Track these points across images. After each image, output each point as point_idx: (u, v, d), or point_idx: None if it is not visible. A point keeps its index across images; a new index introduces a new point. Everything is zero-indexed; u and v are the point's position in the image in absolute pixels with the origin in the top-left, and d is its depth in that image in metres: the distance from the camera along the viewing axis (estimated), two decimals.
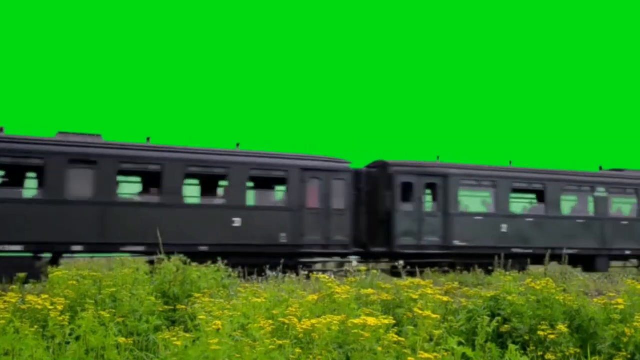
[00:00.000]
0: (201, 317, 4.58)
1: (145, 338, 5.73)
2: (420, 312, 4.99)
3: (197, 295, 6.58)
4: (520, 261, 20.56)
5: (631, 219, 24.18)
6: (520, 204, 23.16)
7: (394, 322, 4.91)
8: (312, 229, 19.37)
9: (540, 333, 5.77)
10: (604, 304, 6.19)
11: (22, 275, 9.74)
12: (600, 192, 23.56)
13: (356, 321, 4.57)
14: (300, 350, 4.40)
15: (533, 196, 23.27)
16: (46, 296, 5.95)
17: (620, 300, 6.17)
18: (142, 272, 7.86)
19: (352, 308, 5.68)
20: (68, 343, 5.07)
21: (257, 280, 12.00)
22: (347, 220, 19.90)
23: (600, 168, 25.12)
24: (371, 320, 4.53)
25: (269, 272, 13.10)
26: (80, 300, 6.56)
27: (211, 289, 7.52)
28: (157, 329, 5.89)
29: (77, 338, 5.04)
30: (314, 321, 4.63)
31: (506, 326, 6.09)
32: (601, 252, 23.00)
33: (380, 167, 21.28)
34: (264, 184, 19.92)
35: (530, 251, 21.61)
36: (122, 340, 4.93)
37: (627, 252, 23.54)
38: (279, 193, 20.02)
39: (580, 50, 72.71)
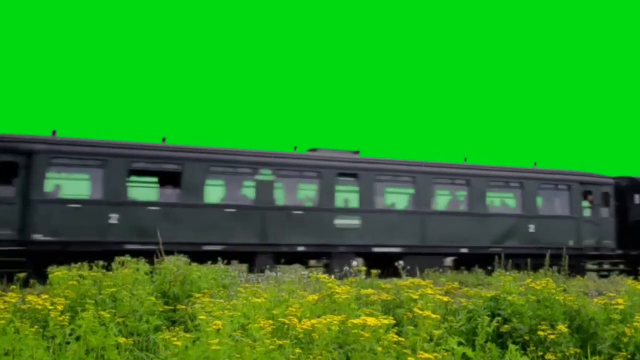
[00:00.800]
0: (201, 317, 4.58)
1: (145, 338, 5.73)
2: (420, 312, 4.99)
3: (197, 295, 6.58)
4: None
5: (308, 209, 19.37)
6: (143, 189, 18.29)
7: (394, 322, 4.91)
8: None
9: (540, 333, 5.77)
10: (604, 304, 6.19)
11: (21, 275, 9.74)
12: (265, 175, 18.85)
13: (356, 321, 4.57)
14: (300, 350, 4.40)
15: (164, 180, 18.49)
16: (46, 296, 5.95)
17: (620, 300, 6.17)
18: (142, 272, 7.87)
19: (352, 308, 5.68)
20: (68, 343, 5.07)
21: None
22: None
23: (295, 149, 20.44)
24: (371, 320, 4.53)
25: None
26: (80, 300, 6.56)
27: (211, 289, 7.53)
28: (157, 329, 5.89)
29: (77, 338, 5.04)
30: (314, 321, 4.63)
31: (506, 326, 6.10)
32: (263, 249, 18.27)
33: None
34: None
35: (151, 247, 17.26)
36: (122, 340, 4.92)
37: (301, 249, 18.83)
38: None
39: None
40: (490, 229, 21.36)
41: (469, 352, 4.69)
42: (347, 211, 19.65)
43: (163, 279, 7.75)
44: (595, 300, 6.59)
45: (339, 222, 19.42)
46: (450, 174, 21.52)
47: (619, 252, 23.67)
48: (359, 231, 19.51)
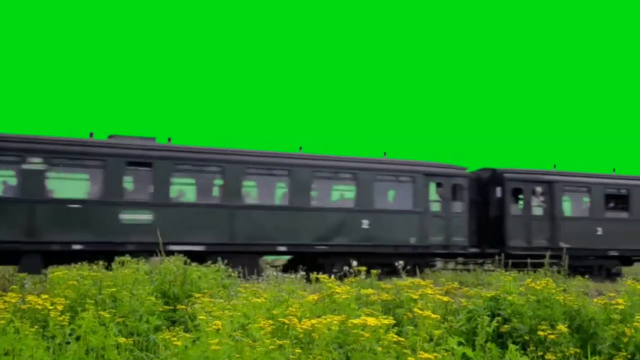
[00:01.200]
0: (201, 317, 4.58)
1: (145, 338, 5.73)
2: (420, 312, 4.99)
3: (197, 295, 6.58)
4: None
5: (88, 202, 16.99)
6: None
7: (394, 322, 4.92)
8: None
9: (540, 333, 5.77)
10: (604, 304, 6.20)
11: (22, 275, 9.75)
12: (34, 163, 16.39)
13: (356, 321, 4.57)
14: (300, 350, 4.40)
15: None
16: (46, 296, 5.95)
17: (620, 300, 6.18)
18: (142, 272, 7.88)
19: (352, 308, 5.69)
20: (68, 343, 5.07)
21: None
22: None
23: (91, 135, 17.78)
24: (371, 320, 4.54)
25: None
26: (81, 300, 6.56)
27: (211, 289, 7.53)
28: (157, 329, 5.90)
29: (77, 338, 5.04)
30: (314, 321, 4.63)
31: (506, 326, 6.10)
32: (30, 247, 15.82)
33: None
34: None
35: None
36: (122, 340, 4.92)
37: (78, 247, 16.18)
38: None
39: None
40: (315, 225, 19.00)
41: (469, 352, 4.69)
42: (136, 204, 17.32)
43: (163, 279, 7.75)
44: (595, 300, 6.59)
45: (126, 216, 17.09)
46: (267, 164, 19.07)
47: (474, 250, 21.16)
48: (150, 227, 16.57)
